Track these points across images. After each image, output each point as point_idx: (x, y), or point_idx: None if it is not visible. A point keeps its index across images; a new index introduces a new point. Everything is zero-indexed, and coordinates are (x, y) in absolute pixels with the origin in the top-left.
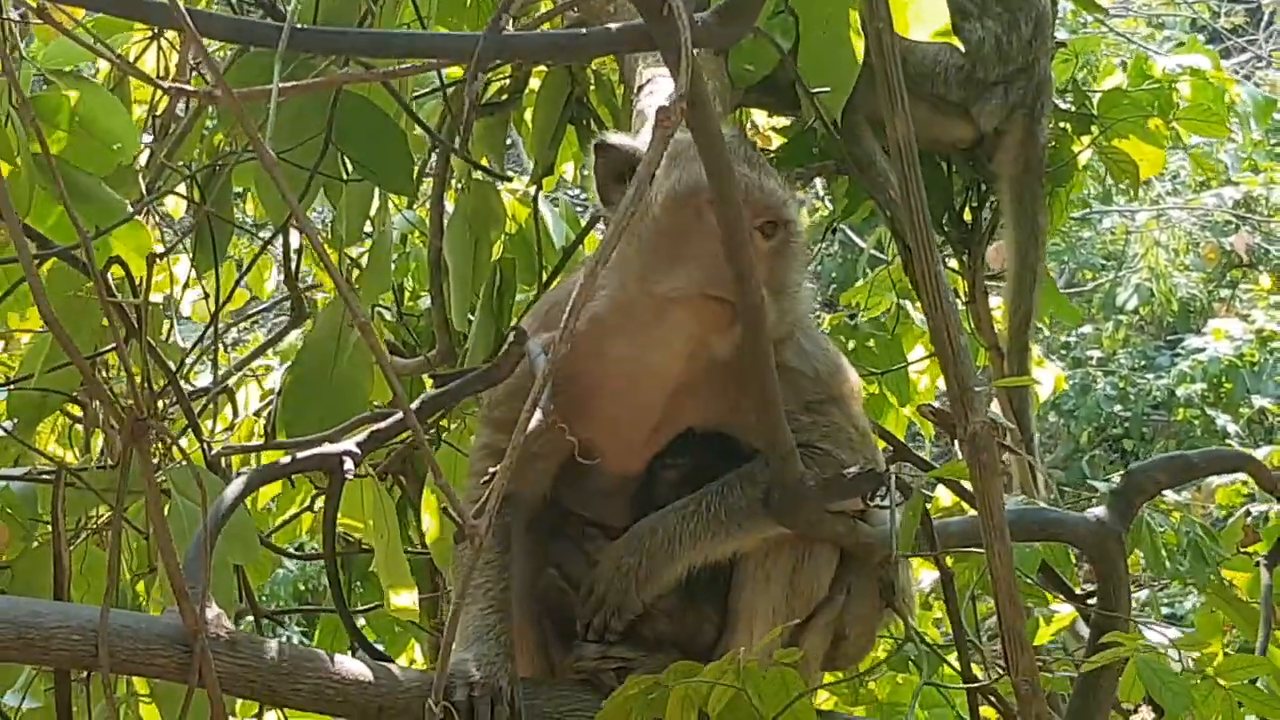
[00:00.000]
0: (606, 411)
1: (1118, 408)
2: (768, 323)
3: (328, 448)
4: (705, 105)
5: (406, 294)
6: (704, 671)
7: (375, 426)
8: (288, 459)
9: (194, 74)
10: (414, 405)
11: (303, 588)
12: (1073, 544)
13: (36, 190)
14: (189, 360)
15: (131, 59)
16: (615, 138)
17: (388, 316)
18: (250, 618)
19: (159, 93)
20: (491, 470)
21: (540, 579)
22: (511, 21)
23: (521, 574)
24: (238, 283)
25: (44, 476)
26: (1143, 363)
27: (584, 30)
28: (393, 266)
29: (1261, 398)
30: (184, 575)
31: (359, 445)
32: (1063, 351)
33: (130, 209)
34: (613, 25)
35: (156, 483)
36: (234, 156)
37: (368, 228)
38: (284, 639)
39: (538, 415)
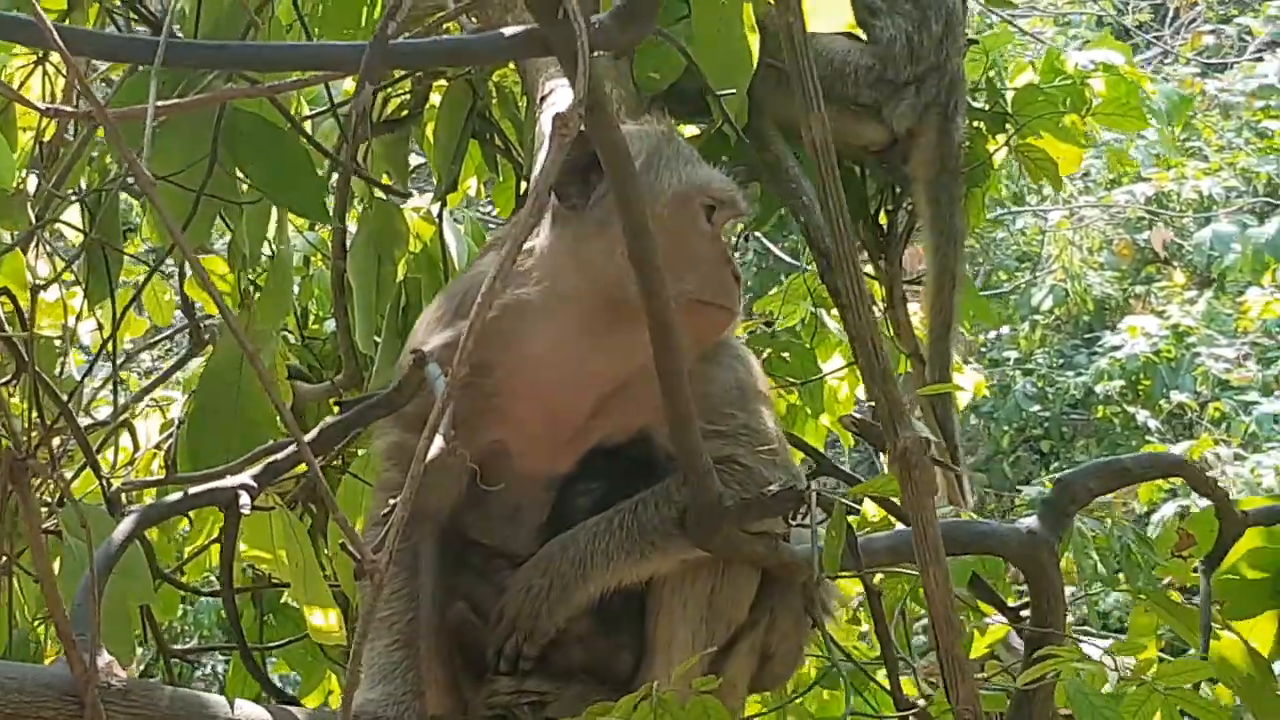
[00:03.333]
0: (525, 406)
1: (1036, 408)
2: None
3: (222, 483)
4: (605, 110)
5: (311, 317)
6: (617, 706)
7: (273, 458)
8: (179, 495)
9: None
10: (312, 434)
11: (224, 616)
12: (1004, 556)
13: None
14: (91, 392)
15: (16, 85)
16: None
17: (291, 340)
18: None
19: (45, 119)
20: (391, 501)
21: (449, 612)
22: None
23: (430, 605)
24: (123, 313)
25: None
26: (1060, 362)
27: (475, 36)
28: (296, 289)
29: (1180, 393)
30: (73, 621)
31: (255, 478)
32: (980, 352)
33: (9, 238)
34: (506, 30)
35: (40, 525)
36: (120, 180)
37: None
38: (200, 675)
39: (438, 442)
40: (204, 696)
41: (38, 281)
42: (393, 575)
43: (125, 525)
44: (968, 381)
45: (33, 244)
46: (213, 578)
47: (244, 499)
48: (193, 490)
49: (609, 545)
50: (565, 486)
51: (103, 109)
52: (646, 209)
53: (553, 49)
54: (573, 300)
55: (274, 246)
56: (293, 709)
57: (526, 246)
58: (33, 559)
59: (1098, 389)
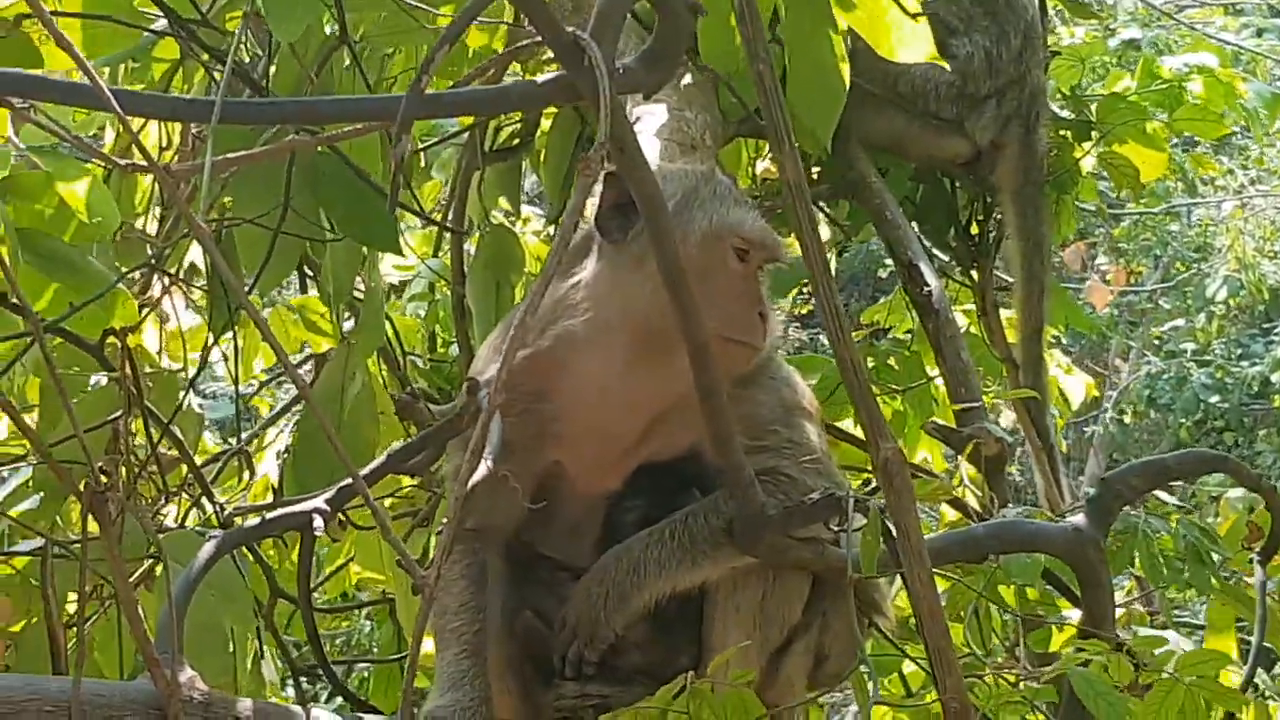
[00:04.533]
0: (580, 430)
1: (1215, 399)
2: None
3: (296, 507)
4: (632, 148)
5: (439, 340)
6: (656, 695)
7: (343, 483)
8: (258, 521)
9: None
10: (378, 463)
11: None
12: (1052, 554)
13: (28, 267)
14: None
15: (137, 129)
16: None
17: (420, 364)
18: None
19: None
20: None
21: (517, 622)
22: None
23: (500, 616)
24: (208, 351)
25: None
26: (1239, 352)
27: (510, 84)
28: (422, 314)
29: None
30: (160, 639)
31: (328, 502)
32: (1155, 344)
33: (118, 279)
34: (538, 78)
35: (119, 553)
36: (230, 219)
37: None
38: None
39: (483, 467)
40: (282, 707)
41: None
42: (461, 589)
43: (206, 550)
44: (1076, 384)
45: (155, 281)
46: (354, 592)
47: (317, 522)
48: (269, 516)
49: (661, 554)
50: (614, 503)
51: (157, 164)
52: (679, 245)
53: (582, 94)
54: (616, 330)
55: (365, 281)
56: (367, 716)
57: (575, 280)
58: (115, 584)
59: (1274, 378)
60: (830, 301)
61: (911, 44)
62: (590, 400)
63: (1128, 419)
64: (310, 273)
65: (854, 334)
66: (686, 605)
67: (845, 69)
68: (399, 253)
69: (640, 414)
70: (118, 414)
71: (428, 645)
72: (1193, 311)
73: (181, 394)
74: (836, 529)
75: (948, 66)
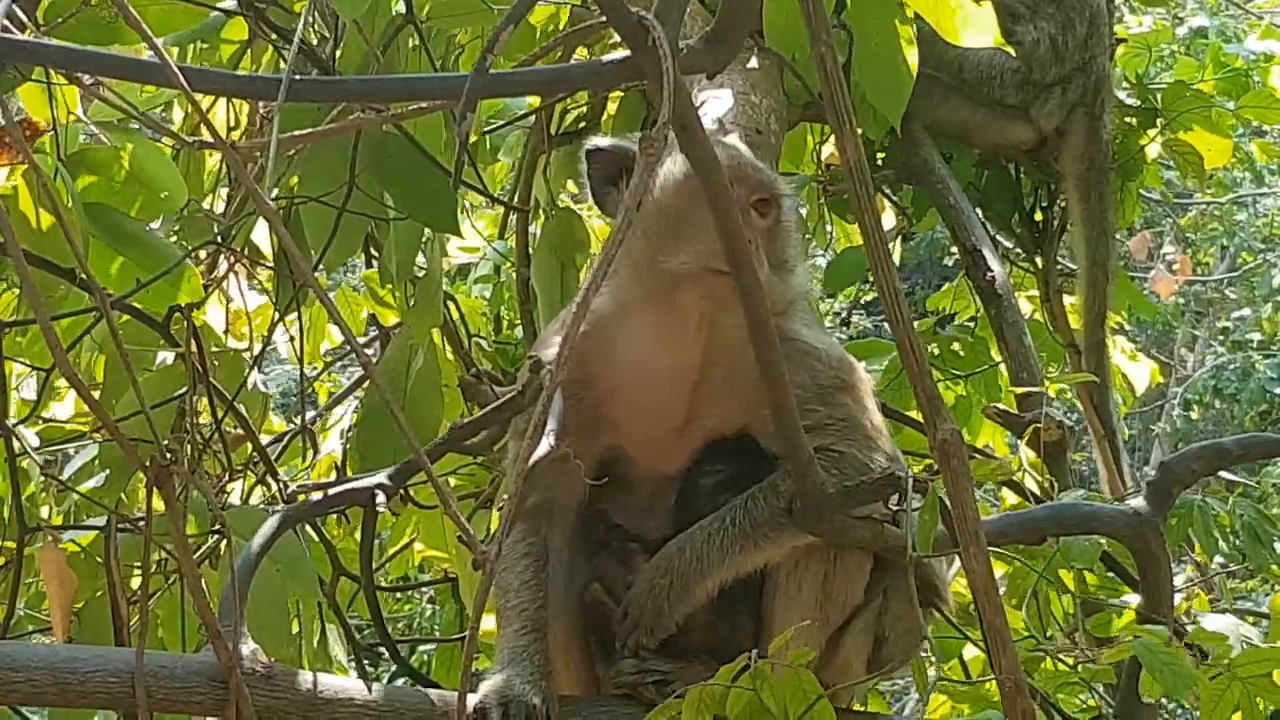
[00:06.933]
0: (628, 413)
1: None
2: (768, 295)
3: (359, 483)
4: (694, 128)
5: (504, 322)
6: (718, 675)
7: (406, 460)
8: (320, 496)
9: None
10: (441, 439)
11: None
12: (1111, 536)
13: (94, 242)
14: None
15: (204, 107)
16: (604, 141)
17: (485, 346)
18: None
19: (236, 140)
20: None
21: (584, 594)
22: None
23: (564, 589)
24: (273, 328)
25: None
26: None
27: (574, 64)
28: (487, 296)
29: None
30: (222, 613)
31: (390, 478)
32: (1221, 336)
33: (184, 255)
34: (602, 58)
35: (184, 526)
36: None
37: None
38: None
39: (545, 444)
40: (344, 680)
41: (197, 298)
42: (523, 568)
43: (269, 525)
44: (1141, 370)
45: (222, 259)
46: (415, 575)
47: (380, 498)
48: (333, 491)
49: (724, 541)
50: (692, 468)
51: (224, 141)
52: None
53: (645, 74)
54: (626, 295)
55: (427, 260)
56: (428, 690)
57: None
58: (179, 556)
59: None
60: (889, 280)
61: (976, 27)
62: (629, 379)
63: (1194, 412)
64: (375, 253)
65: (919, 322)
66: (748, 584)
67: (913, 52)
68: (458, 234)
69: (676, 383)
70: (183, 391)
71: (488, 622)
72: (1259, 302)
73: (246, 372)
74: (895, 508)
75: (1013, 51)
